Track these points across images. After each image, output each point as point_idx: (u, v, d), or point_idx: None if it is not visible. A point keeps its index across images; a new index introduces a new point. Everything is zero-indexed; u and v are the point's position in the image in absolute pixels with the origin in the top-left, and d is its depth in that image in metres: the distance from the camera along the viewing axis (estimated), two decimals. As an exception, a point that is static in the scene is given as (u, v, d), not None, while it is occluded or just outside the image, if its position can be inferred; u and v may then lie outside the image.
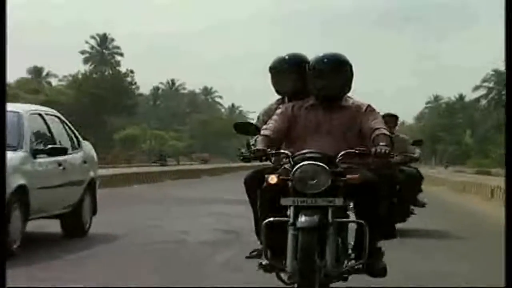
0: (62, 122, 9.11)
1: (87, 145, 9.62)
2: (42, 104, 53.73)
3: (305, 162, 4.49)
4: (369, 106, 4.95)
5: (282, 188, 4.53)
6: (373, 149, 4.60)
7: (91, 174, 9.32)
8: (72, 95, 58.02)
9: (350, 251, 4.74)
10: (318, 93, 4.86)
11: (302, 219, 4.35)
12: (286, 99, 5.25)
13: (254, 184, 4.89)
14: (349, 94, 5.02)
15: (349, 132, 4.85)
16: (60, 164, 8.30)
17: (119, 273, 6.57)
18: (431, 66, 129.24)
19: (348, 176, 4.50)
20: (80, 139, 9.40)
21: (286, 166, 4.67)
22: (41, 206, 7.79)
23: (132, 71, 65.96)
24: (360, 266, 4.64)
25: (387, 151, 4.59)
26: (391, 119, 10.06)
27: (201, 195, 18.36)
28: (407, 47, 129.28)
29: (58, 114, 9.22)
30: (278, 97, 5.39)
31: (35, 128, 8.15)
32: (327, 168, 4.46)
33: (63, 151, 8.28)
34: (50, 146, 8.11)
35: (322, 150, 4.61)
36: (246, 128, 4.97)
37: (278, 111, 5.01)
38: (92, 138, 55.50)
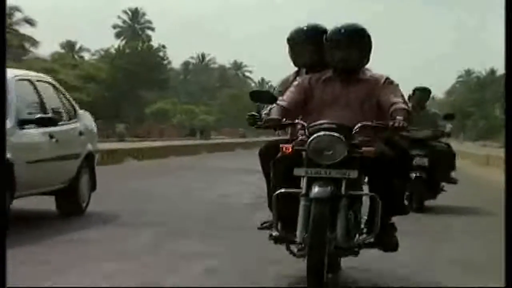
0: (56, 89, 8.26)
1: (85, 116, 8.83)
2: (80, 79, 54.03)
3: (321, 133, 4.39)
4: (387, 78, 4.78)
5: (296, 159, 4.45)
6: (390, 123, 4.44)
7: (89, 147, 8.51)
8: (106, 70, 58.99)
9: (362, 225, 4.68)
10: (336, 65, 4.73)
11: (315, 190, 4.26)
12: (303, 71, 5.16)
13: (268, 155, 4.84)
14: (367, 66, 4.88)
15: (367, 105, 4.71)
16: (52, 136, 7.50)
17: (180, 224, 7.93)
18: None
19: (364, 148, 4.38)
20: (77, 108, 8.62)
21: (301, 136, 4.58)
22: (30, 182, 7.01)
23: (164, 46, 66.86)
24: (372, 240, 4.58)
25: (404, 125, 4.42)
26: (423, 93, 9.88)
27: (236, 166, 19.26)
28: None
29: (52, 81, 8.38)
30: (295, 69, 5.32)
31: (23, 95, 7.24)
32: (343, 139, 4.37)
33: (53, 121, 7.45)
34: (38, 115, 7.25)
35: (339, 122, 4.51)
36: (263, 97, 4.85)
37: (295, 82, 4.91)
38: (126, 112, 56.18)
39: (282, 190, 4.43)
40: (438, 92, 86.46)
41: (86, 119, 8.80)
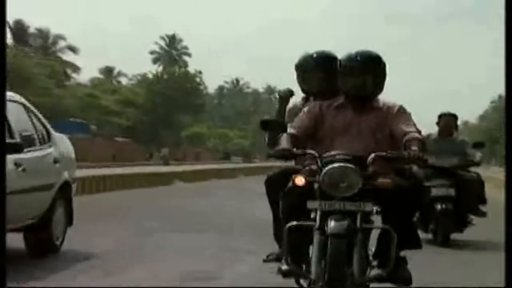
0: (28, 110, 7.20)
1: (62, 140, 7.79)
2: (119, 103, 55.81)
3: (336, 164, 4.24)
4: (400, 107, 4.65)
5: (307, 191, 4.30)
6: (405, 153, 4.31)
7: (65, 175, 7.40)
8: (144, 95, 60.99)
9: (371, 258, 4.50)
10: (349, 92, 4.60)
11: (332, 224, 4.11)
12: (311, 98, 5.08)
13: (275, 185, 4.75)
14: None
15: (379, 135, 4.59)
16: (18, 164, 6.43)
17: (230, 234, 9.41)
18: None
19: (380, 180, 4.23)
20: (52, 131, 7.52)
21: (313, 167, 4.42)
22: None
23: (200, 72, 68.69)
24: (384, 274, 4.36)
25: (419, 156, 4.28)
26: (450, 119, 9.23)
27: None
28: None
29: (22, 100, 7.20)
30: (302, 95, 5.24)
31: None
32: (359, 170, 4.23)
33: (18, 147, 6.44)
34: None
35: (351, 152, 4.37)
36: (273, 125, 4.72)
37: (305, 109, 4.77)
38: (163, 136, 57.72)
39: (294, 223, 4.24)
40: (471, 117, 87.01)
41: (62, 144, 7.73)
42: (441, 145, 8.96)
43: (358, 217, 4.18)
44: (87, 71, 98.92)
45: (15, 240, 6.94)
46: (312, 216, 4.28)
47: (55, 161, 7.32)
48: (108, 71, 79.86)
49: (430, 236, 8.73)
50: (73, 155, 7.94)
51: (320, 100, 4.79)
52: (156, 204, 14.67)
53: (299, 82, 5.09)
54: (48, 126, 7.52)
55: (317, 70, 4.97)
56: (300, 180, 4.27)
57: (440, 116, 9.27)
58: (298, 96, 5.32)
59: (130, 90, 61.94)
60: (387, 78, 4.68)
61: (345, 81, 4.57)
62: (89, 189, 16.35)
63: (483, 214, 9.06)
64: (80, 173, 18.44)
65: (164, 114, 61.17)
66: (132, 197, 16.31)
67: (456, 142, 9.26)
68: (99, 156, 37.54)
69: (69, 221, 7.48)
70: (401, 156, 4.34)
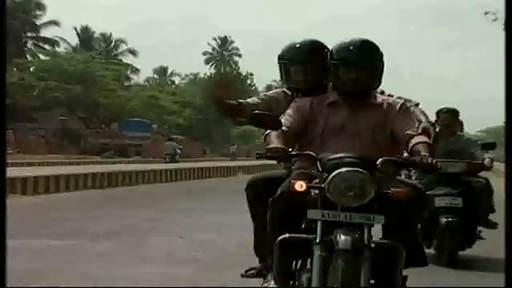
0: None
1: None
2: (176, 104, 60.91)
3: (344, 169, 3.59)
4: (403, 104, 4.14)
5: (299, 199, 3.69)
6: (416, 159, 3.74)
7: None
8: (199, 95, 65.20)
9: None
10: (343, 88, 4.06)
11: (342, 238, 3.49)
12: (298, 96, 4.44)
13: (258, 192, 4.37)
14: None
15: (379, 135, 4.06)
16: None
17: None
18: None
19: (392, 188, 3.60)
20: None
21: (313, 171, 3.81)
22: None
23: (251, 74, 72.67)
24: None
25: (433, 162, 3.70)
26: (450, 115, 7.93)
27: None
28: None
29: None
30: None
31: None
32: (371, 176, 3.58)
33: None
34: None
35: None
36: (266, 120, 3.90)
37: (294, 104, 4.21)
38: (215, 134, 62.18)
39: (287, 236, 3.67)
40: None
41: None
42: (443, 146, 7.68)
43: (366, 231, 3.58)
44: (141, 70, 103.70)
45: None
46: (303, 227, 3.84)
47: None
48: (162, 71, 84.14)
49: (432, 251, 7.51)
50: None
51: (306, 96, 4.27)
52: (233, 187, 20.99)
53: (282, 76, 4.52)
54: None
55: (304, 62, 4.40)
56: (300, 186, 3.63)
57: (438, 113, 7.97)
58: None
59: (187, 91, 65.93)
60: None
61: (339, 75, 4.04)
62: (184, 177, 24.84)
63: (494, 225, 7.52)
64: (178, 165, 26.35)
65: (216, 114, 64.98)
66: (215, 183, 23.97)
67: (460, 142, 7.96)
68: (161, 152, 41.73)
69: None
70: (413, 162, 3.80)
